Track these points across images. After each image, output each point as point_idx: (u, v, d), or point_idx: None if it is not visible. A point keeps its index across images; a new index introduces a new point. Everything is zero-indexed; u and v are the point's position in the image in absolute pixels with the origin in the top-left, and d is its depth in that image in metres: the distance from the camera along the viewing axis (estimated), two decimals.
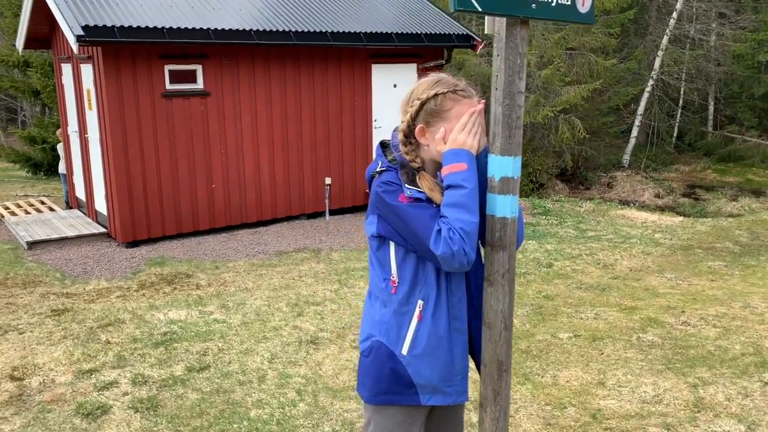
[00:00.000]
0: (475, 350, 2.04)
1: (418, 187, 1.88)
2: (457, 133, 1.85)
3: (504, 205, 1.73)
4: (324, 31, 8.78)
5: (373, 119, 9.83)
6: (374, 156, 2.02)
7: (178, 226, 8.45)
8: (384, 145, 2.03)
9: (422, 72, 10.09)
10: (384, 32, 9.21)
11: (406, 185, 1.87)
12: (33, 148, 13.55)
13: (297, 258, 7.54)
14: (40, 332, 5.04)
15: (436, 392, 1.97)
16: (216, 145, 8.54)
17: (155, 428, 3.60)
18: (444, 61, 9.97)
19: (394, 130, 2.03)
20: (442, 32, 9.72)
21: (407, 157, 1.92)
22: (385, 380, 1.95)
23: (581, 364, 4.40)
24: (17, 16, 13.27)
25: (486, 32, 1.74)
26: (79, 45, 7.16)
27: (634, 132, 19.62)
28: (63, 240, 8.17)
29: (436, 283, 1.92)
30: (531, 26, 14.88)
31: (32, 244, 7.94)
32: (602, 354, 4.56)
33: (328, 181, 9.43)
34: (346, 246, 8.10)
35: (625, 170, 18.44)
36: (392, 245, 1.93)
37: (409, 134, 1.94)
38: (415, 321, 1.92)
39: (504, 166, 1.72)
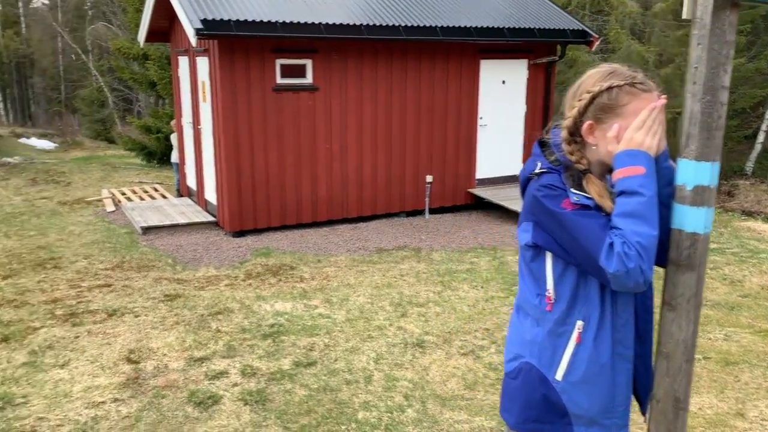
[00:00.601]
0: (637, 379, 1.80)
1: (586, 192, 1.66)
2: (634, 131, 1.61)
3: (697, 219, 1.48)
4: (434, 25, 8.60)
5: (479, 116, 9.56)
6: (531, 155, 1.80)
7: (283, 218, 8.54)
8: (542, 144, 1.82)
9: (533, 68, 9.71)
10: (495, 27, 8.91)
11: (571, 190, 1.65)
12: (148, 137, 14.26)
13: (397, 256, 7.42)
14: (153, 316, 5.18)
15: (593, 424, 1.74)
16: (321, 140, 8.56)
17: (264, 423, 3.57)
18: (557, 58, 9.54)
19: (554, 127, 1.81)
20: (556, 27, 9.29)
21: (572, 158, 1.70)
22: (536, 407, 1.74)
23: (715, 390, 3.99)
24: (139, 11, 13.98)
25: (684, 16, 1.49)
26: (198, 38, 7.35)
27: (761, 137, 18.08)
28: (174, 227, 8.45)
29: (600, 302, 1.69)
30: (650, 22, 14.03)
31: (146, 230, 8.27)
32: (738, 381, 4.12)
33: (429, 178, 9.25)
34: (447, 246, 7.89)
35: (749, 178, 17.02)
36: (549, 257, 1.71)
37: (574, 132, 1.72)
38: (572, 344, 1.70)
39: (700, 173, 1.47)
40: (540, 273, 1.74)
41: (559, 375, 1.72)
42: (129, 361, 4.30)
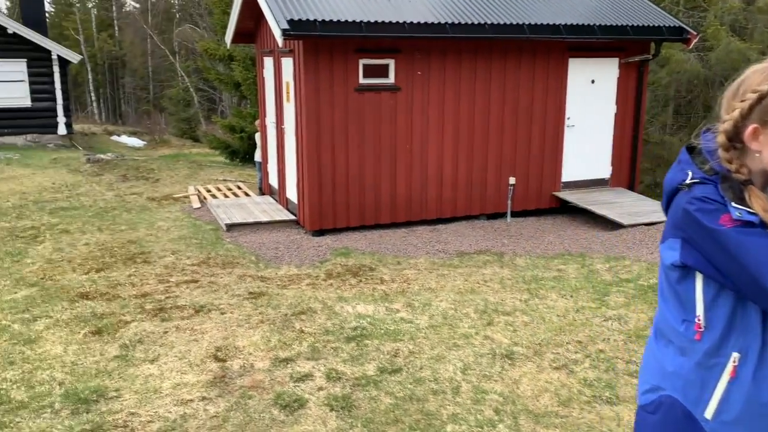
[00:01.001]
0: None
1: (748, 207, 1.43)
2: None
3: None
4: (521, 23, 8.33)
5: (566, 117, 9.20)
6: (677, 163, 1.59)
7: (361, 218, 8.50)
8: (691, 150, 1.60)
9: (624, 67, 9.25)
10: (585, 24, 8.54)
11: (732, 204, 1.43)
12: (232, 136, 14.62)
13: (479, 260, 7.21)
14: (239, 314, 5.21)
15: None
16: (402, 141, 8.46)
17: (351, 430, 3.47)
18: (651, 56, 9.05)
19: (705, 131, 1.59)
20: (651, 24, 8.81)
21: (730, 167, 1.48)
22: None
23: None
24: (225, 13, 14.35)
25: None
26: (284, 38, 7.39)
27: None
28: (257, 224, 8.57)
29: (762, 332, 1.46)
30: (753, 18, 13.13)
31: (230, 227, 8.42)
32: None
33: (512, 180, 8.98)
34: (531, 252, 7.61)
35: None
36: (700, 279, 1.50)
37: (734, 137, 1.49)
38: (726, 378, 1.48)
39: None
40: (688, 296, 1.53)
41: (708, 413, 1.50)
42: (216, 359, 4.32)
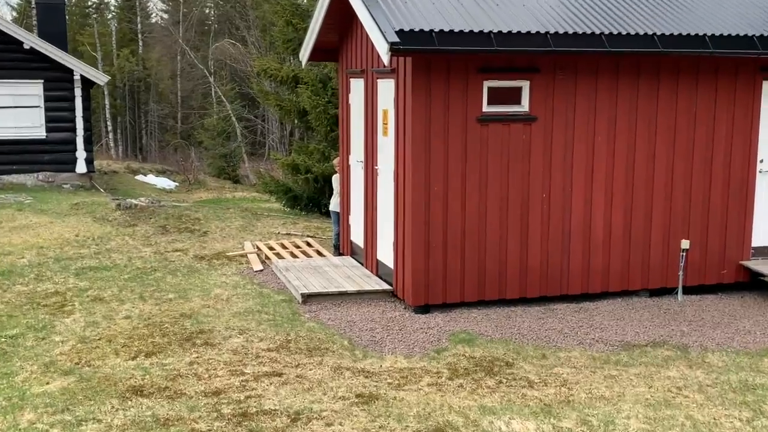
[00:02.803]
0: None
1: None
2: None
3: None
4: (701, 34, 7.92)
5: (759, 160, 8.65)
6: None
7: (480, 290, 8.14)
8: None
9: None
10: None
11: None
12: (294, 177, 14.57)
13: (656, 356, 6.69)
14: (351, 427, 4.82)
15: None
16: (537, 188, 8.12)
17: None
18: None
19: None
20: None
21: None
22: None
23: None
24: (289, 24, 14.57)
25: None
26: (391, 54, 7.20)
27: None
28: (341, 295, 8.31)
29: None
30: None
31: (307, 297, 8.18)
32: None
33: (684, 245, 8.44)
34: (726, 345, 7.02)
35: None
36: None
37: None
38: None
39: None
40: None
41: None
42: None
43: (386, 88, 8.40)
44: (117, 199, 14.31)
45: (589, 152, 8.24)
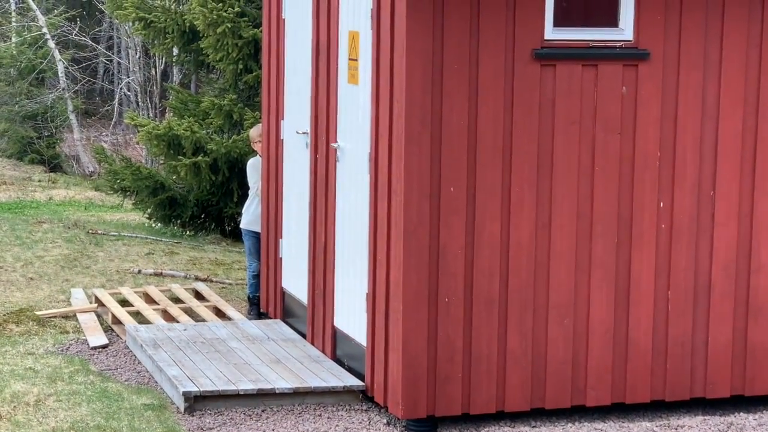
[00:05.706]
0: None
1: None
2: None
3: None
4: None
5: None
6: None
7: (538, 390, 5.68)
8: None
9: None
10: None
11: None
12: (174, 162, 9.97)
13: None
14: None
15: None
16: (647, 190, 5.73)
17: None
18: None
19: None
20: None
21: None
22: None
23: None
24: None
25: None
26: None
27: None
28: (265, 398, 5.55)
29: None
30: None
31: (196, 401, 5.48)
32: None
33: None
34: None
35: None
36: None
37: None
38: None
39: None
40: None
41: None
42: None
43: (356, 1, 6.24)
44: None
45: (750, 123, 5.79)
